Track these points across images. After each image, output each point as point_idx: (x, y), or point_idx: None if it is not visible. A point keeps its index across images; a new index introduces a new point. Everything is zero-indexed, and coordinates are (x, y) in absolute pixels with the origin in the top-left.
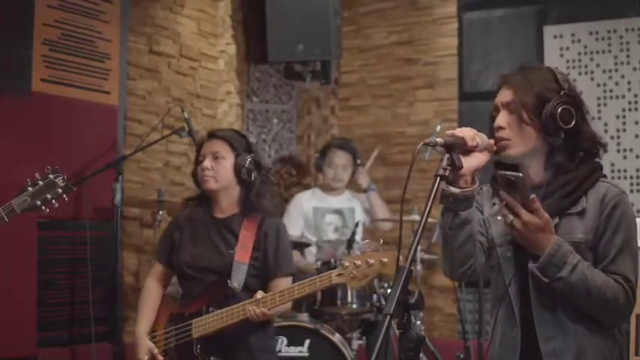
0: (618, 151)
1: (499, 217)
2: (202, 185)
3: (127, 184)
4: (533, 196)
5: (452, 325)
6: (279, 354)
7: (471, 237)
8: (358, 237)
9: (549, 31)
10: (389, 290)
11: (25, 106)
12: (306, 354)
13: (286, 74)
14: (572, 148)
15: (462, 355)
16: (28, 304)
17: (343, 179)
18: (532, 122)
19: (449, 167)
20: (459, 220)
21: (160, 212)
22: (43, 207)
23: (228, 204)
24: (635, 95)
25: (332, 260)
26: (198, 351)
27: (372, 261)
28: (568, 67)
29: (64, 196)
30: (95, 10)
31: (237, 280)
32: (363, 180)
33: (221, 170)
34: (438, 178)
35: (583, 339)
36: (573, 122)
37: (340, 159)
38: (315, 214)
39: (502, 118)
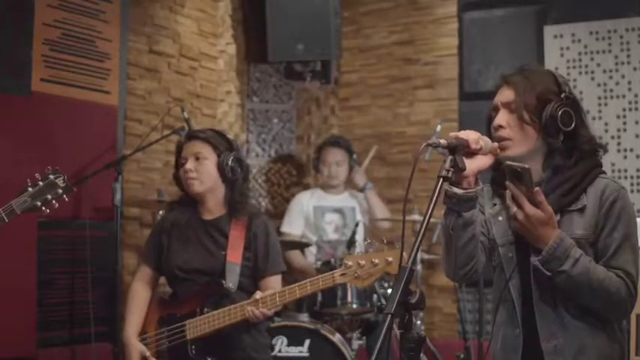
0: (619, 150)
1: (500, 218)
2: (187, 189)
3: (127, 184)
4: (537, 188)
5: (452, 325)
6: (279, 354)
7: (473, 238)
8: (359, 237)
9: (549, 31)
10: (389, 290)
11: (24, 105)
12: (306, 354)
13: (286, 74)
14: (571, 150)
15: (462, 355)
16: (28, 304)
17: (339, 176)
18: (532, 123)
19: (452, 169)
20: (462, 221)
21: (160, 212)
22: (44, 208)
23: (214, 204)
24: (636, 95)
25: (332, 260)
26: (194, 352)
27: (376, 261)
28: (568, 67)
29: (65, 196)
30: (95, 9)
31: (231, 281)
32: (359, 179)
33: (204, 171)
34: (441, 179)
35: (584, 337)
36: (573, 125)
37: (333, 156)
38: (315, 213)
39: (502, 117)
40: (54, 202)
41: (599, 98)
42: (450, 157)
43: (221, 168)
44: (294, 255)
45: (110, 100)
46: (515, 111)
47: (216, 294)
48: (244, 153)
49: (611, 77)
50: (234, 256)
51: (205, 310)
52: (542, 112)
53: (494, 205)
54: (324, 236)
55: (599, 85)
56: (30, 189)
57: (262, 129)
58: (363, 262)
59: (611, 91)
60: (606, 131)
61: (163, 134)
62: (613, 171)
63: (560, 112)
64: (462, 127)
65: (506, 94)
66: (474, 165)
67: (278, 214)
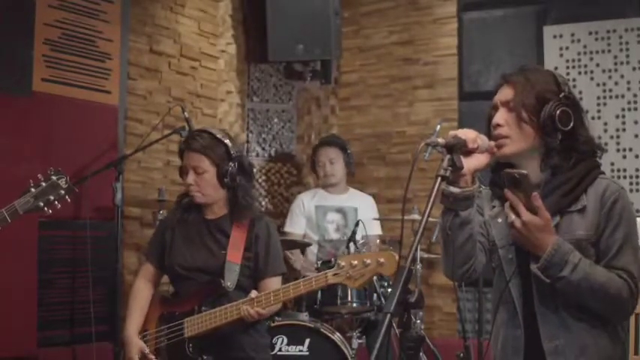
0: (618, 150)
1: (499, 220)
2: (191, 198)
3: (128, 183)
4: (535, 193)
5: (452, 324)
6: (280, 353)
7: (471, 237)
8: (359, 236)
9: (549, 31)
10: (389, 289)
11: (26, 105)
12: (306, 353)
13: (286, 74)
14: (569, 150)
15: (461, 355)
16: (29, 304)
17: (335, 173)
18: (531, 122)
19: (450, 168)
20: (460, 220)
21: (161, 212)
22: (46, 208)
23: (217, 206)
24: (635, 95)
25: (332, 260)
26: (191, 350)
27: (368, 261)
28: (568, 67)
29: (67, 197)
30: (96, 9)
31: (230, 280)
32: (372, 244)
33: (204, 184)
34: (439, 178)
35: (586, 337)
36: (571, 125)
37: (326, 155)
38: (317, 213)
39: (500, 116)
40: (56, 202)
41: (599, 98)
42: (448, 156)
43: (220, 178)
44: (295, 255)
45: (111, 100)
46: (514, 109)
47: (214, 293)
48: (245, 151)
49: (610, 77)
50: (234, 255)
51: (203, 308)
52: (541, 112)
53: (494, 207)
54: (325, 236)
55: (598, 85)
56: (33, 189)
57: (262, 129)
58: (355, 263)
59: (611, 91)
60: (605, 131)
61: (164, 134)
62: (612, 171)
63: (558, 112)
64: (461, 127)
65: (505, 93)
66: (471, 164)
67: (278, 213)
